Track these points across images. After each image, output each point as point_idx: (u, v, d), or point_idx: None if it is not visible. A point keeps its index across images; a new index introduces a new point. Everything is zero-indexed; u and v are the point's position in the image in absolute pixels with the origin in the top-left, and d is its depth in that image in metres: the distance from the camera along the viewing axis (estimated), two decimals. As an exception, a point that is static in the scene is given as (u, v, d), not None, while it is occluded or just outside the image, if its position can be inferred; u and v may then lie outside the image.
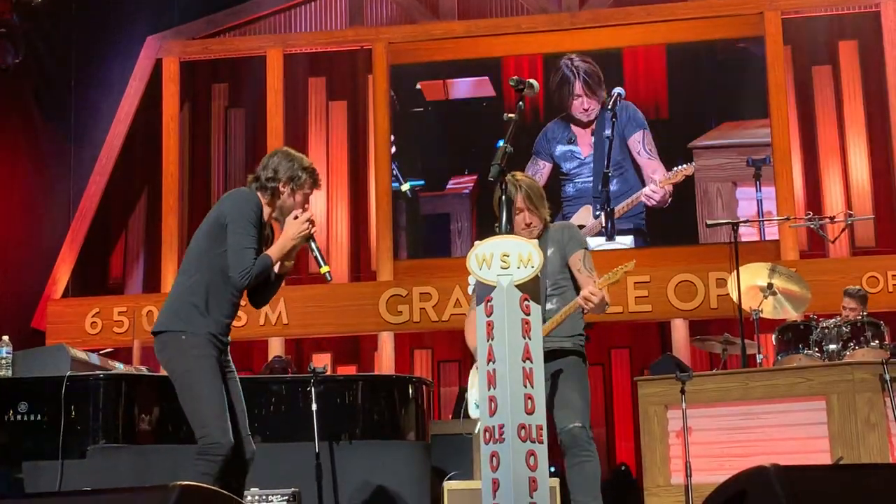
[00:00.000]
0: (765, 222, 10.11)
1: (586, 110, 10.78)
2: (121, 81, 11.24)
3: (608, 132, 10.65)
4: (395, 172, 4.30)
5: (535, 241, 4.12)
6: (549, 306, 4.29)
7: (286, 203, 4.44)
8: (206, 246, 4.34)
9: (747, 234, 10.15)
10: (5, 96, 10.72)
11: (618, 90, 10.75)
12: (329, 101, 11.62)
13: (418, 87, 11.06)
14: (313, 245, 4.40)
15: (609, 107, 10.70)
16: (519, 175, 4.61)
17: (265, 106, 11.20)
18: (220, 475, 4.11)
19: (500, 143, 3.70)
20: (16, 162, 10.90)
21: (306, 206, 4.49)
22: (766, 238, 10.36)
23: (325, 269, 4.36)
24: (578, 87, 10.79)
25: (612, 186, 10.63)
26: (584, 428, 4.41)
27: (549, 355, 4.25)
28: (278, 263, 4.43)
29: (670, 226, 10.56)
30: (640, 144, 10.61)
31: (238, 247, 4.25)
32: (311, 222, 4.39)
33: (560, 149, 10.77)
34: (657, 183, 10.55)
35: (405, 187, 4.31)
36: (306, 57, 11.62)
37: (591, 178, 10.68)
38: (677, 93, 10.77)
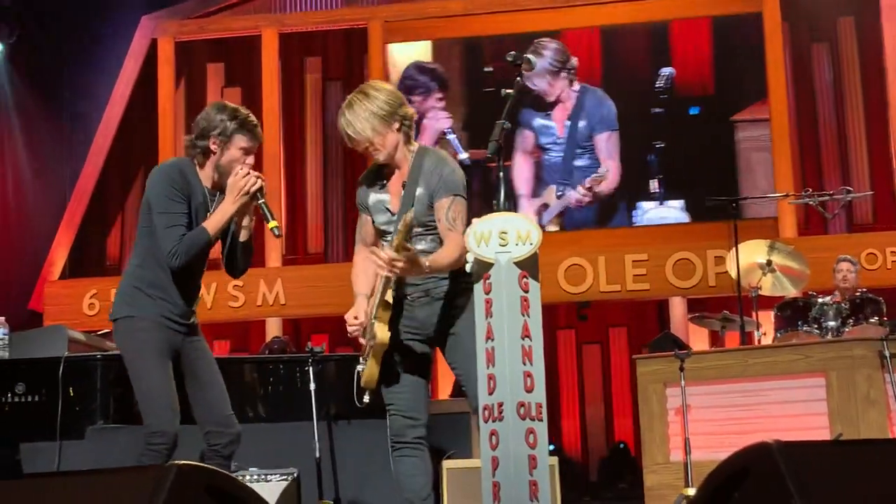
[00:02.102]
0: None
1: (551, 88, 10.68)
2: (116, 62, 11.20)
3: (582, 123, 10.58)
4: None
5: (405, 171, 3.88)
6: (419, 247, 3.81)
7: (222, 162, 4.08)
8: (143, 229, 4.15)
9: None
10: (-1, 77, 10.68)
11: (667, 70, 10.64)
12: (325, 81, 11.58)
13: (490, 69, 10.90)
14: (260, 200, 4.02)
15: (661, 85, 10.58)
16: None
17: (261, 85, 11.16)
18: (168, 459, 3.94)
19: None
20: (10, 143, 10.86)
21: (246, 160, 4.10)
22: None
23: (272, 223, 3.96)
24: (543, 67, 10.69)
25: (580, 162, 10.56)
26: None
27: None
28: (236, 227, 4.15)
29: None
30: (604, 144, 10.53)
31: (160, 229, 4.00)
32: (256, 176, 4.01)
33: (538, 121, 10.69)
34: (584, 186, 10.51)
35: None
36: (301, 36, 11.56)
37: (561, 156, 10.62)
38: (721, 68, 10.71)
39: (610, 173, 10.52)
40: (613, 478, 10.45)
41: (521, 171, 10.65)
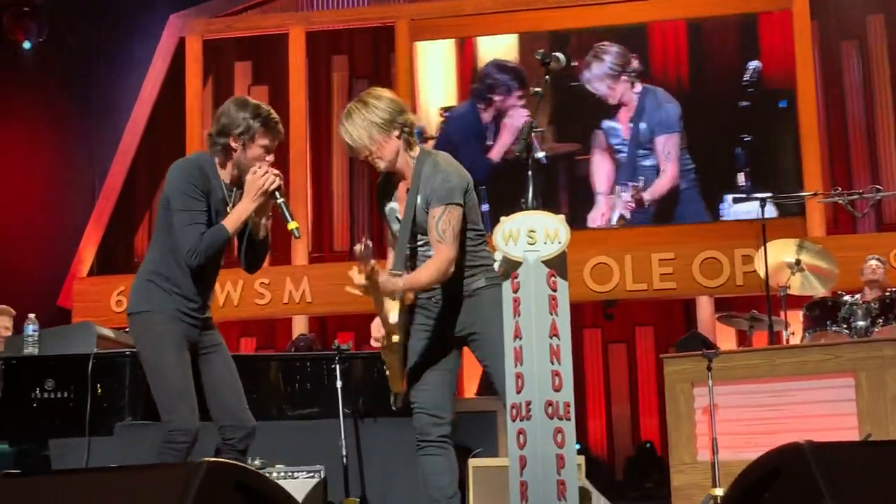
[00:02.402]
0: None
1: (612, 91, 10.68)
2: (144, 60, 11.26)
3: (643, 125, 10.58)
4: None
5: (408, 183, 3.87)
6: (431, 254, 3.81)
7: (241, 160, 4.03)
8: (162, 225, 4.13)
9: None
10: (29, 75, 10.75)
11: (754, 64, 10.58)
12: (352, 79, 11.60)
13: (575, 63, 10.86)
14: (278, 199, 3.98)
15: (747, 79, 10.54)
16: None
17: (288, 84, 11.19)
18: (185, 461, 3.90)
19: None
20: (40, 141, 10.93)
21: (267, 158, 4.04)
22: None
23: (292, 224, 3.92)
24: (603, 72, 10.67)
25: (647, 162, 10.57)
26: None
27: None
28: (253, 226, 4.11)
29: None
30: (662, 146, 10.50)
31: (179, 227, 3.97)
32: (275, 175, 3.97)
33: (606, 123, 10.69)
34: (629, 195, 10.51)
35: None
36: (329, 34, 11.58)
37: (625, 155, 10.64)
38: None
39: (665, 175, 10.47)
40: (639, 477, 10.42)
41: (599, 168, 10.66)
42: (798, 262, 7.13)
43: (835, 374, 5.82)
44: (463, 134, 10.81)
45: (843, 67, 10.83)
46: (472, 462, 5.35)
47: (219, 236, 3.99)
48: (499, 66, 10.98)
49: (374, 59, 11.64)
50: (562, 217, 3.39)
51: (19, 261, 10.47)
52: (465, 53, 11.19)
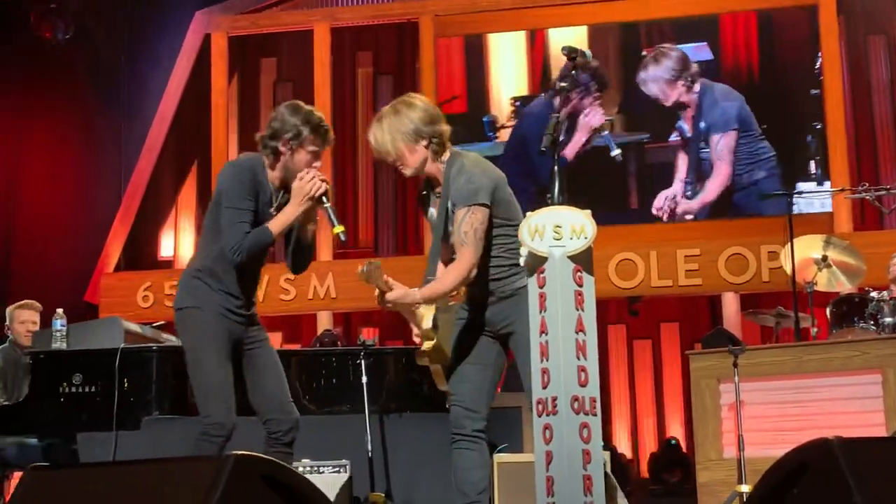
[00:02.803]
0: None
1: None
2: (170, 57, 11.31)
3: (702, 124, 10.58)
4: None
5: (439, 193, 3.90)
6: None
7: (290, 164, 4.12)
8: (210, 222, 4.22)
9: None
10: (57, 72, 10.82)
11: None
12: (376, 75, 11.61)
13: (644, 54, 10.91)
14: (325, 204, 4.07)
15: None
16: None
17: (313, 80, 11.22)
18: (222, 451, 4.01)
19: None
20: (68, 137, 11.02)
21: (314, 164, 4.13)
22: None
23: (338, 228, 4.01)
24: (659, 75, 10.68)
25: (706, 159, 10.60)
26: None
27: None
28: (300, 229, 4.21)
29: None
30: (715, 145, 10.47)
31: (227, 223, 4.05)
32: (321, 180, 4.05)
33: (678, 123, 10.69)
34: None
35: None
36: (353, 31, 11.60)
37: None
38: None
39: (717, 174, 10.44)
40: (664, 474, 10.40)
41: (679, 162, 10.64)
42: (825, 258, 7.09)
43: (862, 371, 5.78)
44: (537, 129, 10.78)
45: (870, 62, 10.76)
46: (498, 458, 5.36)
47: (263, 237, 4.07)
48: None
49: (399, 55, 11.65)
50: (588, 212, 3.39)
51: (46, 256, 10.56)
52: (537, 45, 11.16)
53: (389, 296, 3.77)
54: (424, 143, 3.86)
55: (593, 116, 10.72)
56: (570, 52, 3.67)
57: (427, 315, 3.83)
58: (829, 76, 10.34)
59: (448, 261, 3.94)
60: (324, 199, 4.07)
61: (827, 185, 10.02)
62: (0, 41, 10.78)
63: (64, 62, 10.85)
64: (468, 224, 3.76)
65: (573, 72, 3.68)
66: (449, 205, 3.86)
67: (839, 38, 10.46)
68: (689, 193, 10.53)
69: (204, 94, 11.36)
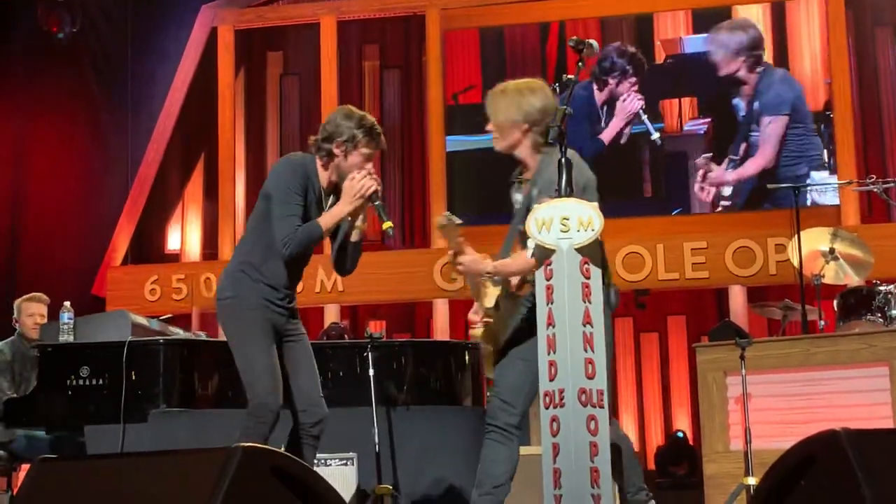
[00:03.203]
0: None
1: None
2: (177, 50, 11.31)
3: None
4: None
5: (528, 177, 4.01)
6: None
7: (342, 165, 4.29)
8: (258, 215, 4.33)
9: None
10: (63, 65, 10.83)
11: None
12: (383, 68, 11.60)
13: (658, 42, 10.95)
14: (376, 202, 4.23)
15: None
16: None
17: (319, 73, 11.21)
18: (267, 437, 4.13)
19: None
20: (74, 131, 11.03)
21: (366, 165, 4.29)
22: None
23: (387, 224, 4.14)
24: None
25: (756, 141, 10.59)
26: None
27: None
28: (355, 230, 4.35)
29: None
30: (764, 128, 10.45)
31: (278, 217, 4.19)
32: (374, 180, 4.22)
33: (735, 100, 10.67)
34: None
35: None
36: (359, 24, 11.59)
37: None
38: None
39: (758, 156, 10.44)
40: (671, 466, 10.40)
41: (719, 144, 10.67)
42: (832, 250, 7.07)
43: (869, 364, 5.77)
44: (576, 113, 10.80)
45: (877, 55, 10.72)
46: (504, 450, 5.35)
47: (313, 231, 4.21)
48: (619, 50, 11.00)
49: (406, 48, 11.64)
50: (595, 205, 3.39)
51: (54, 250, 10.58)
52: (551, 37, 11.14)
53: (462, 258, 3.87)
54: (525, 127, 3.97)
55: (631, 101, 10.75)
56: (577, 45, 3.66)
57: (492, 294, 3.96)
58: (836, 68, 10.31)
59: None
60: (374, 197, 4.22)
61: (833, 178, 10.01)
62: (7, 36, 10.80)
63: (70, 56, 10.86)
64: None
65: (578, 63, 3.68)
66: (534, 192, 3.92)
67: (846, 31, 10.43)
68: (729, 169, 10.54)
69: (210, 88, 11.36)
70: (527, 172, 4.06)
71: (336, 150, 4.27)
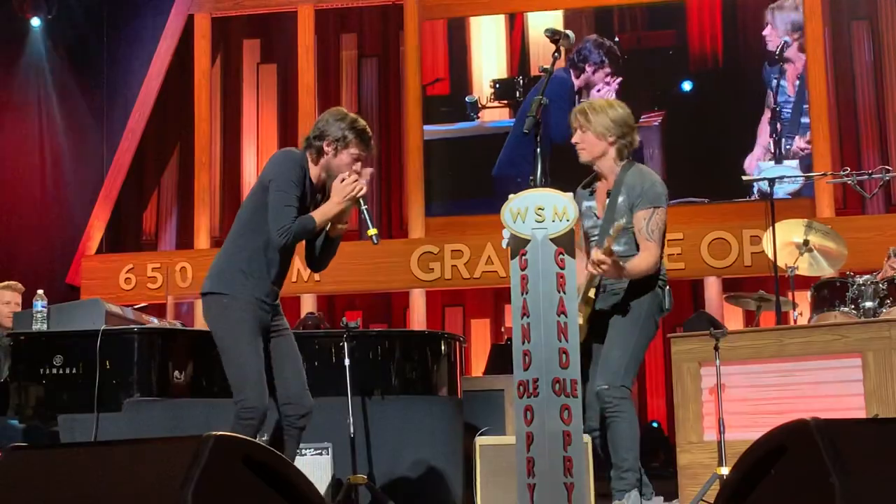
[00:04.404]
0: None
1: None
2: (152, 37, 11.23)
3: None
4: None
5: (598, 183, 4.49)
6: (614, 248, 4.20)
7: (331, 164, 4.37)
8: (252, 208, 4.36)
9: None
10: (38, 52, 10.75)
11: None
12: (361, 58, 11.57)
13: (617, 39, 11.02)
14: (362, 206, 4.32)
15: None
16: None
17: (297, 62, 11.17)
18: (255, 438, 4.14)
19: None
20: (49, 118, 10.94)
21: (355, 167, 4.38)
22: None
23: (371, 231, 4.25)
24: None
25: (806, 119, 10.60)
26: (609, 388, 4.46)
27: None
28: (331, 226, 4.40)
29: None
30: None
31: (277, 205, 4.23)
32: (361, 183, 4.31)
33: (774, 80, 10.72)
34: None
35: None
36: (337, 12, 11.55)
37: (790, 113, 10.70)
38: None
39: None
40: (646, 457, 10.43)
41: (764, 128, 10.67)
42: (806, 242, 7.12)
43: (842, 355, 5.81)
44: (558, 94, 10.86)
45: (853, 47, 10.78)
46: (479, 440, 5.37)
47: (309, 223, 4.28)
48: (597, 43, 11.04)
49: (383, 37, 11.61)
50: (570, 195, 3.40)
51: (28, 238, 10.51)
52: (516, 28, 11.15)
53: (611, 259, 4.16)
54: (612, 139, 4.36)
55: (606, 92, 10.81)
56: (553, 35, 3.67)
57: (592, 290, 4.40)
58: (812, 61, 10.36)
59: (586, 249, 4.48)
60: (361, 201, 4.30)
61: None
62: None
63: (45, 43, 10.77)
64: (654, 223, 4.32)
65: (554, 53, 3.68)
66: (620, 200, 4.32)
67: (823, 23, 10.47)
68: (773, 152, 10.57)
69: (187, 76, 11.30)
70: (603, 181, 4.44)
71: (326, 148, 4.35)
